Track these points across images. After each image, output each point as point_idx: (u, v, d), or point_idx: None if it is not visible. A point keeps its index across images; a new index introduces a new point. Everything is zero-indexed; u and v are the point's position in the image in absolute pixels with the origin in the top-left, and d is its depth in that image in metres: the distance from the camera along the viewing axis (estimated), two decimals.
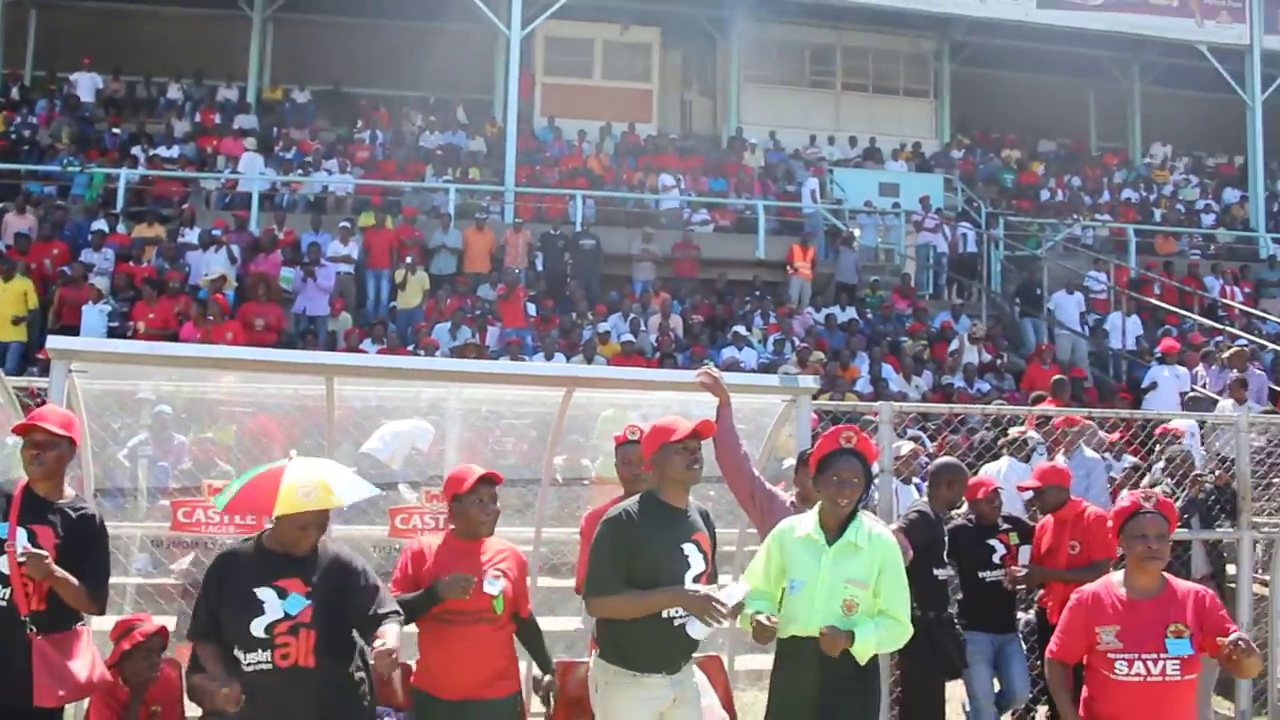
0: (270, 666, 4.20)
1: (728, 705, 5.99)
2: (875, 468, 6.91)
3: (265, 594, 4.21)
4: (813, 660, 4.40)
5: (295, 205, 18.55)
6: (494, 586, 4.62)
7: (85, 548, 4.65)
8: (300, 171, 19.11)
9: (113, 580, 7.00)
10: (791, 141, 23.91)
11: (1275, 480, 8.97)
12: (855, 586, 4.39)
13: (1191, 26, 23.32)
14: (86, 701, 5.40)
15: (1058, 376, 13.59)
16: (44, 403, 5.34)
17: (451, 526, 4.90)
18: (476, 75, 23.53)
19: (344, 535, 6.65)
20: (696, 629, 4.45)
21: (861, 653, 4.35)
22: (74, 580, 4.54)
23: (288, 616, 4.19)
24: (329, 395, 5.91)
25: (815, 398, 11.23)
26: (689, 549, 4.50)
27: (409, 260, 16.31)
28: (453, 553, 4.72)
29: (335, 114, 22.53)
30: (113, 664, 5.10)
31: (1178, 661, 4.21)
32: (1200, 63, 23.48)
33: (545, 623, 6.02)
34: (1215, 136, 27.06)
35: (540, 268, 17.81)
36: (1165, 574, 4.45)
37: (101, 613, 4.84)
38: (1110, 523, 4.60)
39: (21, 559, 4.45)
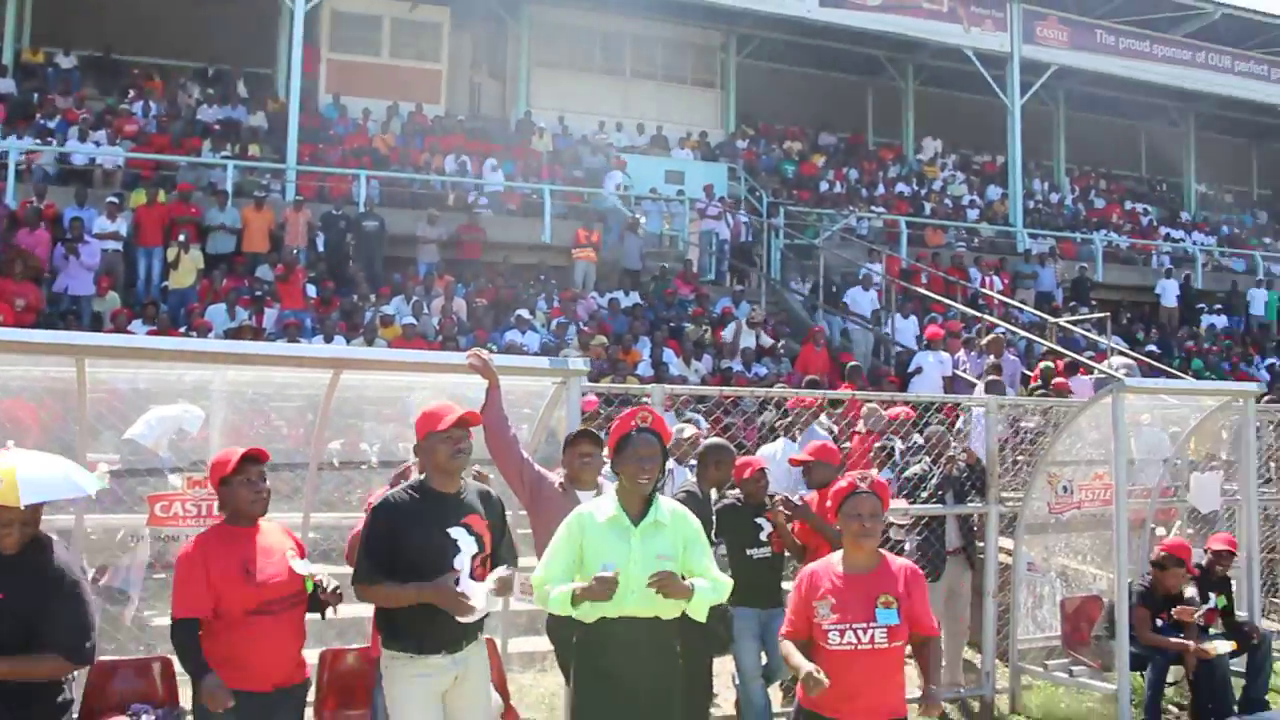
0: None
1: (501, 688, 5.98)
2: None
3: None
4: (630, 637, 4.48)
5: (56, 178, 17.39)
6: (303, 566, 4.55)
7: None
8: (55, 142, 17.92)
9: None
10: (580, 127, 24.01)
11: (1019, 459, 9.56)
12: (666, 561, 4.48)
13: (959, 32, 24.54)
14: None
15: (853, 363, 14.14)
16: None
17: (223, 515, 4.72)
18: (259, 48, 22.68)
19: (99, 524, 6.37)
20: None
21: (698, 606, 4.49)
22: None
23: None
24: (79, 378, 5.62)
25: (597, 380, 11.47)
26: (458, 533, 4.49)
27: (182, 238, 15.57)
28: (226, 541, 4.54)
29: (104, 82, 21.22)
30: None
31: (885, 630, 4.41)
32: (967, 66, 24.75)
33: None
34: (981, 136, 28.62)
35: (321, 248, 17.36)
36: (881, 551, 4.67)
37: None
38: (829, 502, 4.80)
39: None
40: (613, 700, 4.50)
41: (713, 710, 7.44)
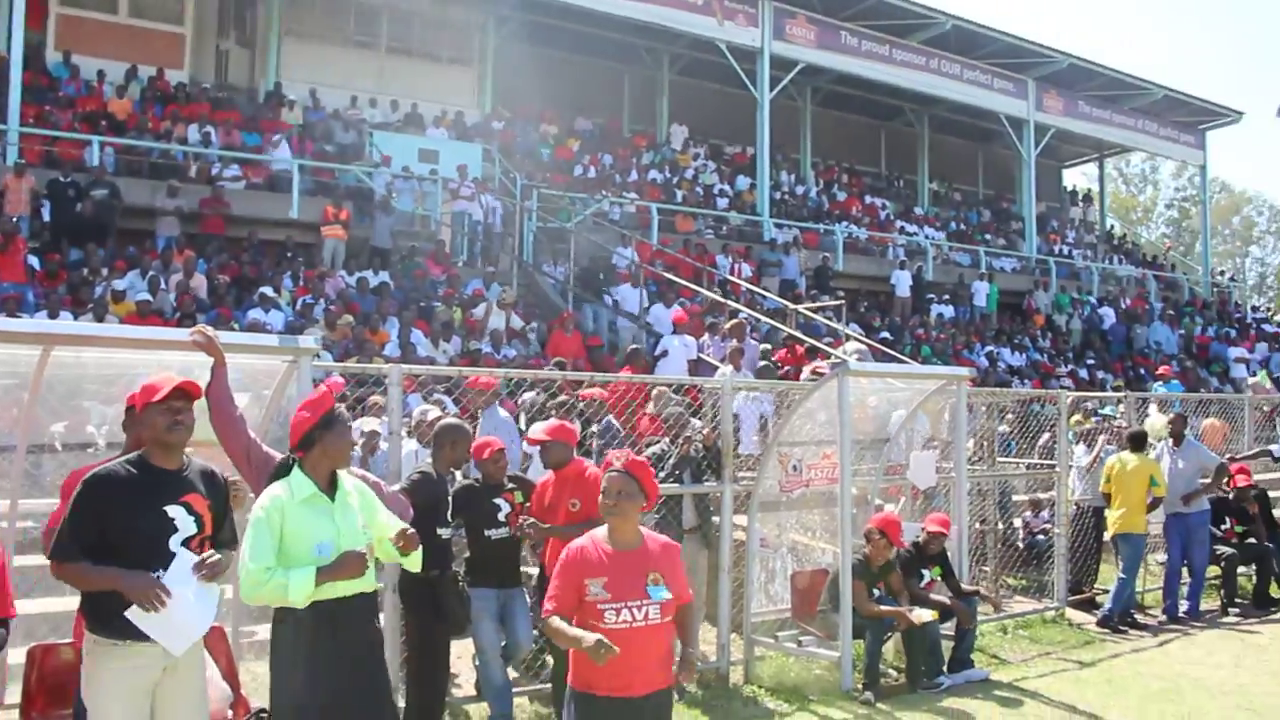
0: None
1: (230, 677, 5.81)
2: (383, 428, 6.99)
3: None
4: (351, 619, 4.48)
5: None
6: None
7: None
8: None
9: None
10: (333, 101, 23.36)
11: (755, 438, 9.93)
12: (367, 531, 4.58)
13: (713, 25, 25.12)
14: None
15: (634, 346, 14.26)
16: None
17: None
18: None
19: None
20: (174, 645, 4.29)
21: (415, 558, 4.80)
22: None
23: None
24: None
25: (344, 360, 11.22)
26: (176, 511, 4.32)
27: None
28: None
29: None
30: None
31: (658, 605, 4.49)
32: (720, 59, 25.41)
33: (35, 605, 5.55)
34: (731, 128, 29.47)
35: (47, 218, 16.27)
36: (641, 528, 4.73)
37: None
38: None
39: None
40: (337, 682, 4.48)
41: (454, 690, 7.46)
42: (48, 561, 4.34)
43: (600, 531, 4.68)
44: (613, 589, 4.46)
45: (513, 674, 7.36)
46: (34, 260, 14.97)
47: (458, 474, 7.03)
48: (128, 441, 4.98)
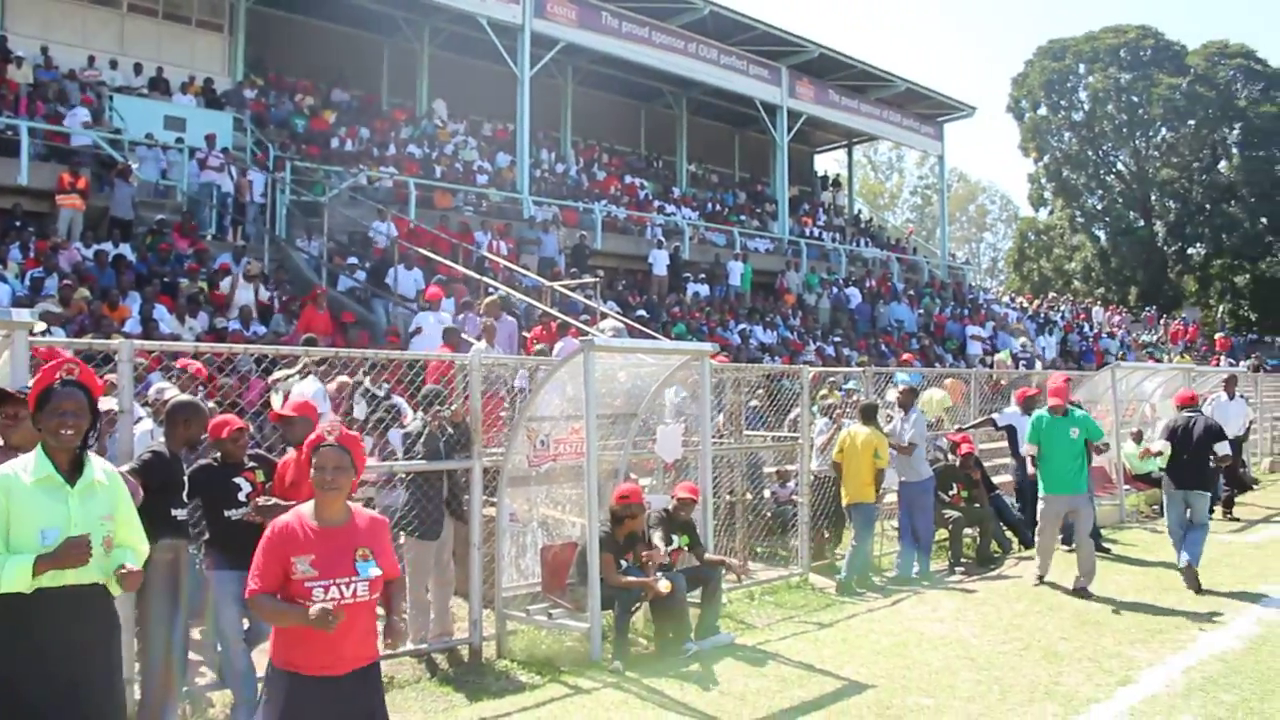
0: None
1: None
2: (114, 404, 6.69)
3: None
4: (63, 612, 4.24)
5: None
6: None
7: None
8: None
9: None
10: (67, 61, 22.00)
11: (502, 414, 9.99)
12: (109, 522, 4.34)
13: (475, 0, 24.91)
14: None
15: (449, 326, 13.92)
16: None
17: None
18: None
19: None
20: None
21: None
22: None
23: None
24: None
25: (80, 336, 10.63)
26: None
27: None
28: None
29: None
30: None
31: (367, 583, 4.46)
32: (482, 34, 25.23)
33: None
34: (493, 104, 29.33)
35: None
36: (350, 504, 4.67)
37: None
38: (303, 453, 4.82)
39: None
40: (43, 683, 4.23)
41: (196, 679, 7.24)
42: None
43: (306, 508, 4.58)
44: (320, 566, 4.38)
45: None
46: None
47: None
48: None
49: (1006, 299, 41.95)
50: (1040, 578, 11.03)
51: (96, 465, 4.43)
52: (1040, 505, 10.98)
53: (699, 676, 7.84)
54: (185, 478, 6.42)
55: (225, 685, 6.96)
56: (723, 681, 7.73)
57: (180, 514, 6.29)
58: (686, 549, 9.12)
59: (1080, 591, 10.46)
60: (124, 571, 4.30)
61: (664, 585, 8.38)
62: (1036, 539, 11.22)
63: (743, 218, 33.50)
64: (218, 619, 6.70)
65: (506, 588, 8.81)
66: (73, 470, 4.35)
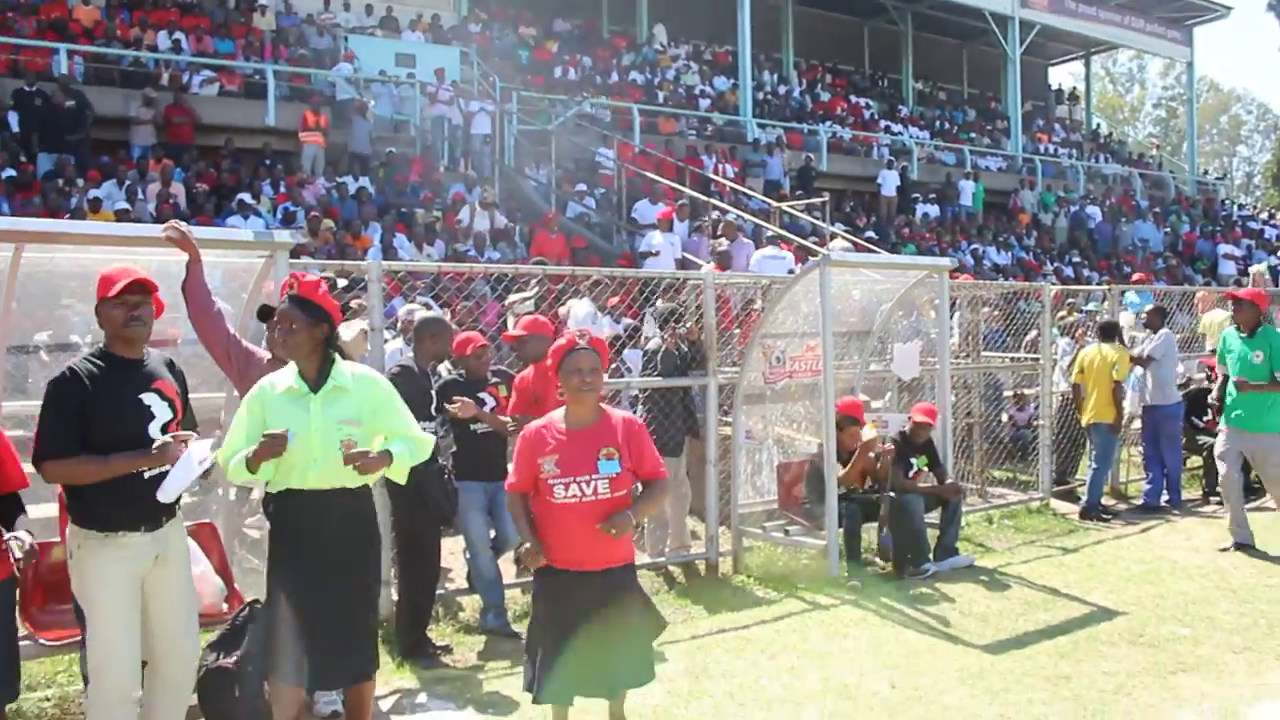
0: None
1: (223, 571, 5.87)
2: (365, 325, 6.93)
3: None
4: (316, 508, 4.44)
5: None
6: None
7: None
8: None
9: None
10: (305, 6, 22.89)
11: (735, 331, 9.91)
12: (349, 425, 4.45)
13: None
14: None
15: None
16: None
17: None
18: None
19: None
20: (165, 493, 4.27)
21: (400, 468, 4.54)
22: None
23: None
24: None
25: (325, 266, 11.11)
26: (150, 399, 4.31)
27: None
28: None
29: None
30: None
31: (607, 480, 4.57)
32: None
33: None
34: (713, 27, 28.98)
35: (15, 128, 15.99)
36: (602, 405, 4.81)
37: None
38: (549, 361, 4.87)
39: None
40: (302, 571, 4.49)
41: (446, 585, 7.53)
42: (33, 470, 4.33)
43: (558, 413, 4.77)
44: (563, 465, 4.56)
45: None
46: (8, 171, 14.74)
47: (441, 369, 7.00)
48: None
49: (1264, 215, 39.00)
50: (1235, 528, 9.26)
51: (345, 371, 4.56)
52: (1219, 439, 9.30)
53: (938, 597, 7.66)
54: (433, 391, 6.59)
55: (474, 591, 7.21)
56: (963, 603, 7.53)
57: (429, 426, 6.46)
58: (927, 469, 8.87)
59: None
60: (350, 450, 4.38)
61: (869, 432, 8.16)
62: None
63: (973, 135, 32.19)
64: (465, 528, 6.93)
65: (742, 504, 8.79)
66: (320, 378, 4.51)
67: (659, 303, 9.21)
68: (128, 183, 15.04)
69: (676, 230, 15.63)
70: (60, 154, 15.63)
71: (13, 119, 16.03)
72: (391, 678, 6.06)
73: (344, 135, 18.46)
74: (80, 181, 14.87)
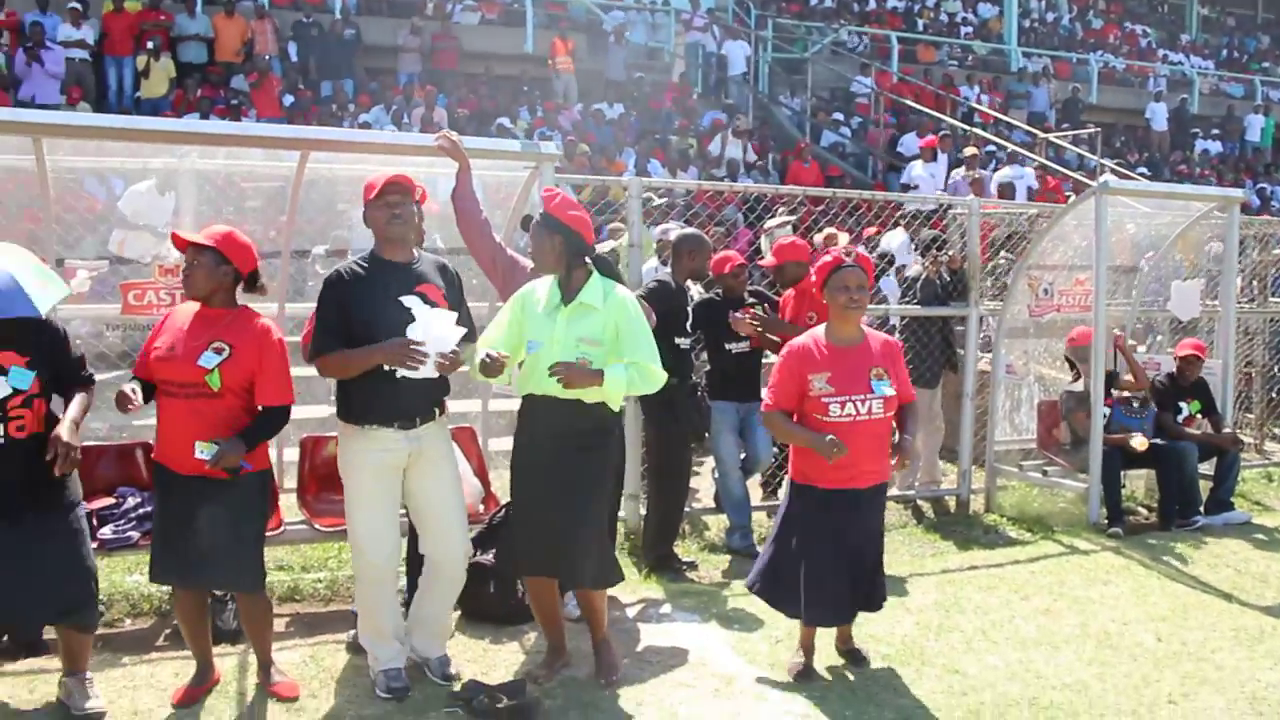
0: (4, 440, 4.08)
1: (481, 474, 6.11)
2: (624, 241, 6.97)
3: None
4: (550, 415, 4.50)
5: None
6: (209, 360, 4.25)
7: None
8: None
9: None
10: None
11: (1000, 261, 9.48)
12: (587, 345, 4.46)
13: None
14: None
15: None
16: None
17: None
18: None
19: (76, 314, 6.29)
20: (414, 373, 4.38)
21: (613, 393, 4.47)
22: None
23: (18, 391, 4.07)
24: (38, 158, 5.45)
25: (581, 190, 11.29)
26: (411, 301, 4.40)
27: (151, 46, 15.06)
28: (184, 317, 4.38)
29: None
30: None
31: (882, 400, 4.56)
32: None
33: (303, 411, 5.86)
34: None
35: (294, 58, 16.87)
36: (862, 326, 4.77)
37: None
38: (814, 277, 4.81)
39: None
40: (537, 476, 4.58)
41: (693, 503, 7.57)
42: (311, 371, 4.56)
43: (819, 330, 4.76)
44: (836, 383, 4.55)
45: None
46: (288, 98, 15.58)
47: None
48: None
49: None
50: None
51: (596, 289, 4.54)
52: None
53: (1209, 552, 7.16)
54: (689, 309, 6.57)
55: (721, 511, 7.22)
56: (1237, 560, 7.00)
57: (684, 342, 6.47)
58: (1200, 415, 8.28)
59: None
60: (556, 369, 4.36)
61: (1138, 441, 7.67)
62: None
63: (1265, 65, 29.65)
64: (716, 447, 6.92)
65: (999, 441, 8.48)
66: (571, 293, 4.54)
67: (922, 231, 8.93)
68: (394, 107, 15.64)
69: (941, 162, 15.11)
70: (335, 81, 16.39)
71: (292, 49, 16.91)
72: (638, 588, 6.14)
73: (600, 62, 18.61)
74: (352, 107, 15.57)
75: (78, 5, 15.08)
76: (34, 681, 4.70)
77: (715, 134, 16.63)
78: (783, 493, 5.05)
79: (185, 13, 16.06)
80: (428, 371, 4.33)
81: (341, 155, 6.32)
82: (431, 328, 4.30)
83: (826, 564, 4.63)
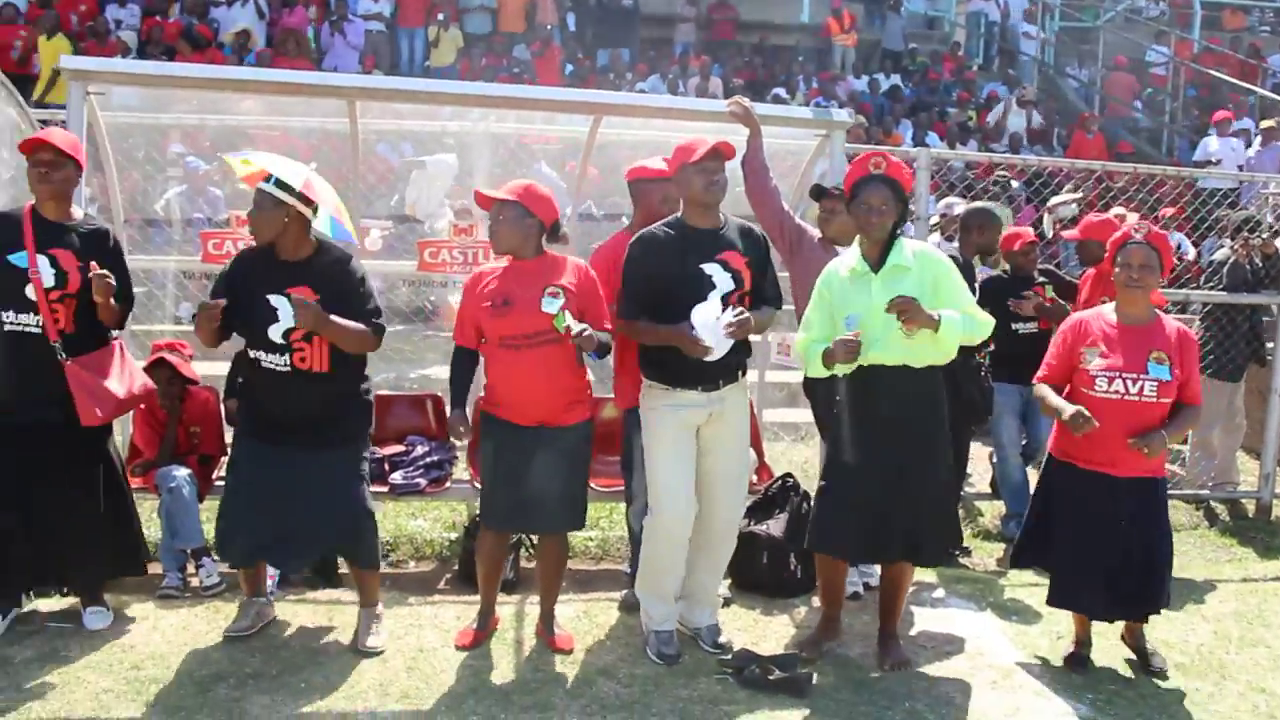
0: (289, 369, 4.36)
1: (756, 446, 6.05)
2: (911, 208, 6.76)
3: (278, 301, 4.30)
4: (881, 387, 4.41)
5: None
6: (551, 305, 4.37)
7: (107, 264, 4.50)
8: None
9: (147, 327, 7.10)
10: None
11: None
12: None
13: None
14: (131, 421, 5.67)
15: None
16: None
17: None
18: None
19: (374, 270, 6.63)
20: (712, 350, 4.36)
21: (948, 337, 4.33)
22: (346, 322, 4.41)
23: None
24: (352, 120, 5.77)
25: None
26: (712, 269, 4.41)
27: (441, 18, 15.80)
28: (503, 273, 4.51)
29: None
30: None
31: (1156, 384, 4.32)
32: None
33: None
34: None
35: (573, 27, 17.27)
36: (1158, 310, 4.55)
37: (122, 327, 4.75)
38: (1108, 252, 4.63)
39: (91, 277, 4.40)
40: (866, 447, 4.47)
41: (966, 488, 7.31)
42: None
43: (1107, 307, 4.62)
44: (1109, 357, 4.41)
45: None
46: (568, 67, 15.98)
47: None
48: (635, 215, 5.09)
49: None
50: None
51: (906, 249, 4.44)
52: None
53: None
54: (976, 286, 6.31)
55: (997, 496, 7.01)
56: None
57: None
58: None
59: None
60: (896, 301, 4.23)
61: None
62: None
63: None
64: (997, 431, 6.69)
65: None
66: (880, 257, 4.43)
67: (1230, 213, 8.29)
68: (670, 77, 15.79)
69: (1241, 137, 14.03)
70: (612, 50, 16.67)
71: (570, 19, 17.29)
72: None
73: (877, 32, 18.23)
74: (629, 75, 15.81)
75: None
76: (332, 611, 5.04)
77: (994, 106, 16.02)
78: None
79: None
80: (718, 352, 4.32)
81: (626, 120, 6.39)
82: (707, 323, 4.28)
83: (1074, 548, 4.51)
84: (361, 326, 4.38)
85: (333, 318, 4.26)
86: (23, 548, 4.54)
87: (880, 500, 4.42)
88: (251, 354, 4.42)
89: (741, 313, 4.33)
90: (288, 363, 4.34)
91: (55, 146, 4.45)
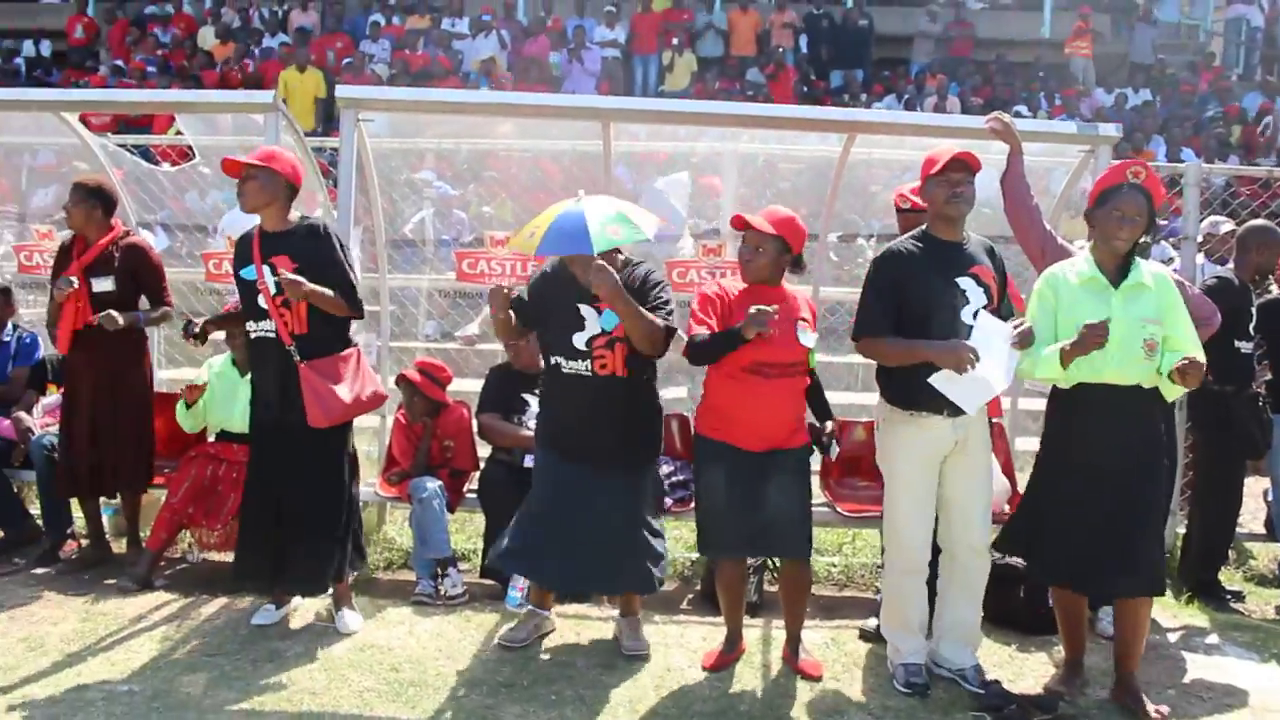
0: (590, 374, 4.49)
1: (1009, 473, 5.85)
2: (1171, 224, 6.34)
3: (586, 311, 4.46)
4: (1108, 408, 4.17)
5: None
6: (809, 339, 4.42)
7: (322, 259, 4.72)
8: None
9: (403, 344, 7.44)
10: None
11: None
12: (1152, 325, 4.13)
13: None
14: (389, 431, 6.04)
15: None
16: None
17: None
18: None
19: None
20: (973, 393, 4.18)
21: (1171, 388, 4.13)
22: (327, 290, 4.65)
23: (604, 332, 4.45)
24: (605, 139, 5.89)
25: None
26: (966, 283, 4.26)
27: (675, 42, 16.03)
28: (748, 297, 4.46)
29: None
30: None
31: None
32: None
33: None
34: None
35: (805, 49, 17.21)
36: None
37: (361, 315, 4.94)
38: None
39: (279, 286, 4.62)
40: (1078, 472, 4.22)
41: (1238, 527, 6.77)
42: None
43: None
44: None
45: None
46: (802, 89, 15.92)
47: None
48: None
49: None
50: None
51: (1145, 269, 4.21)
52: None
53: None
54: (1253, 309, 5.86)
55: (1273, 538, 6.56)
56: None
57: (1244, 346, 5.78)
58: None
59: None
60: (1094, 325, 3.97)
61: None
62: None
63: None
64: (1274, 466, 6.11)
65: None
66: (1119, 272, 4.20)
67: None
68: (906, 96, 15.51)
69: None
70: (846, 71, 16.52)
71: (803, 40, 17.24)
72: (1179, 612, 5.61)
73: (1124, 44, 17.42)
74: (864, 96, 15.63)
75: (613, 8, 16.40)
76: (580, 625, 5.13)
77: (1260, 118, 15.05)
78: None
79: (704, 8, 17.01)
80: (1004, 382, 4.17)
81: (873, 139, 6.31)
82: (992, 345, 4.10)
83: None
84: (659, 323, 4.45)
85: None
86: (274, 544, 4.80)
87: (1097, 527, 4.16)
88: (553, 360, 4.59)
89: (1022, 322, 4.18)
90: (589, 369, 4.49)
91: (240, 163, 4.69)
